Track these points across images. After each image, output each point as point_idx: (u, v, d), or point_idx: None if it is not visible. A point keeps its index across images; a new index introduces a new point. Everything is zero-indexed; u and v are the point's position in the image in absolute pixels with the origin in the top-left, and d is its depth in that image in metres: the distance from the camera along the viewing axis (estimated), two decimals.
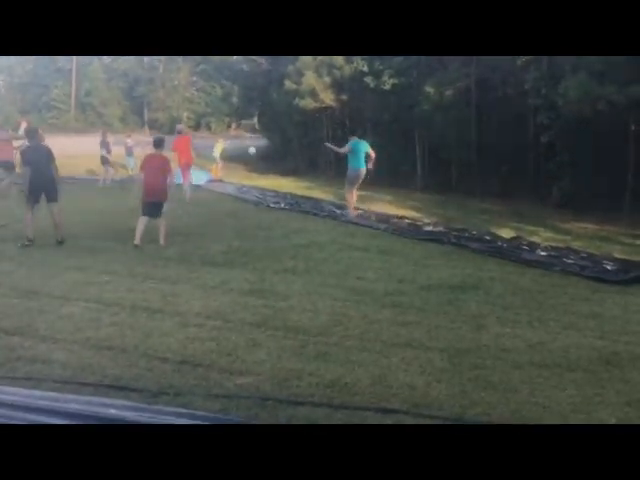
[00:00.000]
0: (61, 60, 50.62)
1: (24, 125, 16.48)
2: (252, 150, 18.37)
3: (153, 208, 8.32)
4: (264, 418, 3.30)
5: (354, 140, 11.24)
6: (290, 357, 4.25)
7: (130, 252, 7.64)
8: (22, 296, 5.58)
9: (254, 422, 3.18)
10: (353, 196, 11.51)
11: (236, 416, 3.28)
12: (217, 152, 19.35)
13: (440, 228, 9.88)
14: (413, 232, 9.58)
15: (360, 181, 11.28)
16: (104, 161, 17.21)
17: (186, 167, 13.12)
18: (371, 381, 3.89)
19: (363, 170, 11.04)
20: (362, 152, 11.00)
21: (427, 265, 7.35)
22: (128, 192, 13.37)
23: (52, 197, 8.24)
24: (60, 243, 8.16)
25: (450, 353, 4.43)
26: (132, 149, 19.21)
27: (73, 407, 3.17)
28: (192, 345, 4.45)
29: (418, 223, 10.48)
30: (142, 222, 8.23)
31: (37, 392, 3.41)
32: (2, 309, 5.15)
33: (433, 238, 9.05)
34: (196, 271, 6.77)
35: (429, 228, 9.93)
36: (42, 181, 8.14)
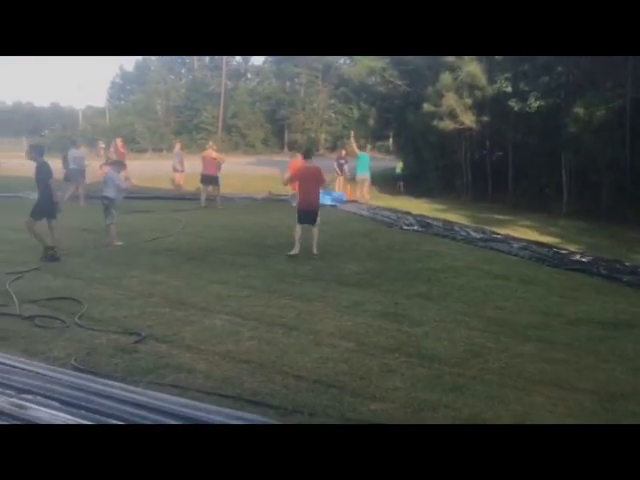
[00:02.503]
0: (212, 85, 54.44)
1: (179, 146, 18.04)
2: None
3: (308, 217, 8.85)
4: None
5: (361, 153, 17.03)
6: (425, 386, 4.11)
7: (268, 268, 7.89)
8: (171, 306, 5.95)
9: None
10: (361, 192, 17.07)
11: None
12: (399, 169, 23.05)
13: (588, 258, 9.17)
14: (558, 261, 8.98)
15: (365, 182, 17.07)
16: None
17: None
18: (512, 419, 3.65)
19: (363, 175, 16.82)
20: (364, 162, 16.62)
21: (574, 298, 6.84)
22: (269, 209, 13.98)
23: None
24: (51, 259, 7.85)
25: (602, 396, 4.05)
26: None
27: (214, 418, 3.29)
28: (326, 365, 4.46)
29: (563, 251, 9.81)
30: (299, 231, 8.75)
31: (182, 400, 3.58)
32: (154, 317, 5.52)
33: (581, 268, 8.42)
34: (330, 290, 6.84)
35: (576, 257, 9.25)
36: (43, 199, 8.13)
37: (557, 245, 10.60)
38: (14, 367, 3.93)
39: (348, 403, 3.80)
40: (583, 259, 9.09)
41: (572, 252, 9.73)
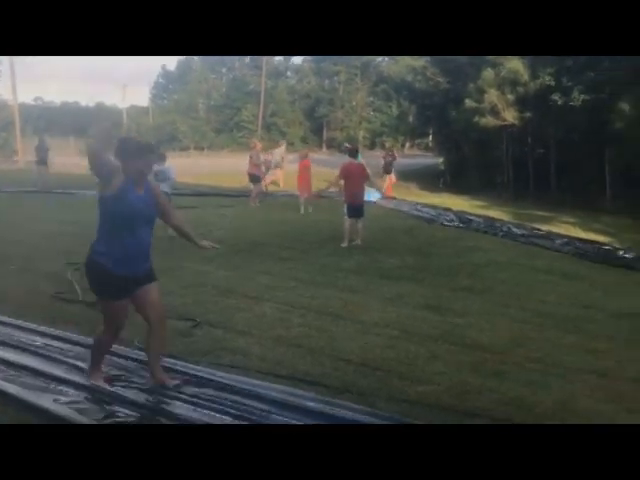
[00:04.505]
0: (252, 84, 55.13)
1: (259, 146, 17.52)
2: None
3: (356, 210, 9.36)
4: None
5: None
6: (469, 372, 4.29)
7: (312, 262, 8.14)
8: (222, 295, 6.25)
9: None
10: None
11: (416, 421, 3.42)
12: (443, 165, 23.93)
13: (632, 254, 9.14)
14: (600, 256, 8.99)
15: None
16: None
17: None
18: (553, 404, 3.81)
19: None
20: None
21: (617, 292, 6.89)
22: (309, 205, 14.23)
23: None
24: None
25: None
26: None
27: (273, 395, 3.56)
28: (373, 351, 4.68)
29: (606, 247, 9.79)
30: (347, 224, 9.31)
31: (241, 377, 3.85)
32: (207, 305, 5.82)
33: (624, 264, 8.42)
34: (373, 283, 7.04)
35: (620, 253, 9.24)
36: None
37: (601, 241, 10.56)
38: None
39: (395, 385, 4.01)
40: (627, 255, 9.07)
41: (616, 248, 9.70)
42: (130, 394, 3.62)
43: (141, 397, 3.60)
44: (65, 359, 4.19)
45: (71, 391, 3.66)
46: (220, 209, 13.73)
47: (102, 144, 3.36)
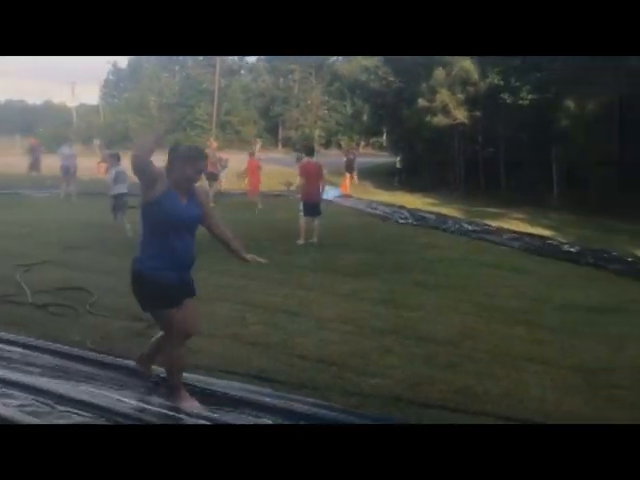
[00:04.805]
0: (205, 82, 54.51)
1: (215, 145, 17.33)
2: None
3: (312, 208, 9.45)
4: (396, 417, 3.49)
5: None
6: (421, 364, 4.41)
7: (269, 260, 8.10)
8: None
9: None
10: None
11: (370, 412, 3.50)
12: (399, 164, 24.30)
13: (577, 248, 9.52)
14: (547, 251, 9.32)
15: None
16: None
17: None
18: (501, 392, 3.96)
19: None
20: None
21: (562, 285, 7.17)
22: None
23: None
24: None
25: (584, 372, 4.36)
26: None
27: (230, 392, 3.59)
28: (328, 347, 4.74)
29: (553, 242, 10.17)
30: (303, 222, 9.43)
31: (197, 376, 3.86)
32: None
33: (569, 258, 8.76)
34: (329, 280, 7.12)
35: (565, 248, 9.60)
36: None
37: (547, 236, 10.94)
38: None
39: (349, 379, 4.08)
40: (572, 249, 9.44)
41: (561, 243, 10.08)
42: (85, 396, 3.58)
43: (96, 397, 3.57)
44: (14, 362, 4.10)
45: (18, 394, 3.59)
46: None
47: (148, 149, 3.19)
